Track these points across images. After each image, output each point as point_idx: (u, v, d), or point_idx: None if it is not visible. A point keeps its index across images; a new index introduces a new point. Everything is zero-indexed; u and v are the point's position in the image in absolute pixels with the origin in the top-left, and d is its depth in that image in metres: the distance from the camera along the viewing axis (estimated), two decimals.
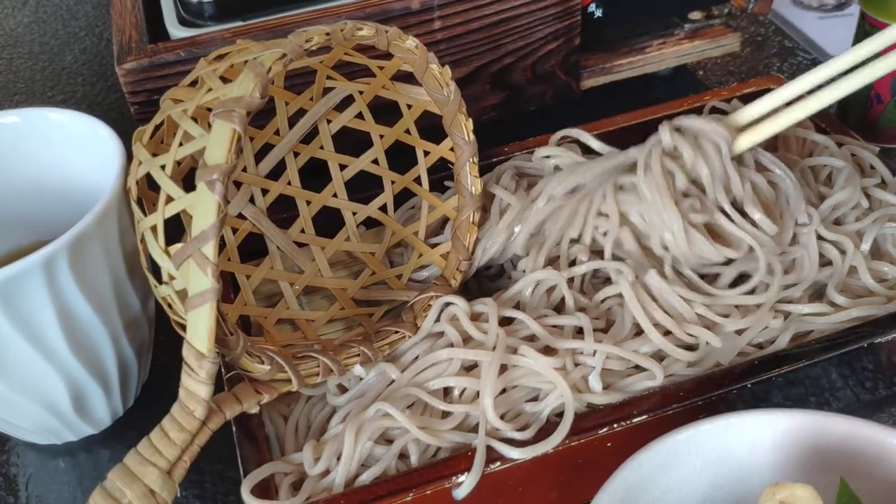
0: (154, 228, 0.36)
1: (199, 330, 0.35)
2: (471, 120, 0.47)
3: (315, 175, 0.53)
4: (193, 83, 0.39)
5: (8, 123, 0.49)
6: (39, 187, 0.50)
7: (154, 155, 0.38)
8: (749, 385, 0.42)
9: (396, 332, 0.46)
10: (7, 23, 0.92)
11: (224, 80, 0.37)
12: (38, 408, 0.45)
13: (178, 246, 0.34)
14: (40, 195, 0.50)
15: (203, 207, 0.34)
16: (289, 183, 0.52)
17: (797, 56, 0.74)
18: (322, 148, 0.52)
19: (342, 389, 0.45)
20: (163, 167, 0.35)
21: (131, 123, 0.54)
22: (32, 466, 0.49)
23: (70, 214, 0.45)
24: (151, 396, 0.51)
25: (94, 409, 0.48)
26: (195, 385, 0.36)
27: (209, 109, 0.37)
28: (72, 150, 0.49)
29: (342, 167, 0.53)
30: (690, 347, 0.45)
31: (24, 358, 0.42)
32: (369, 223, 0.54)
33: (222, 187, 0.34)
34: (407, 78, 0.48)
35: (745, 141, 0.47)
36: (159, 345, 0.52)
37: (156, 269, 0.39)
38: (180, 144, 0.35)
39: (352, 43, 0.40)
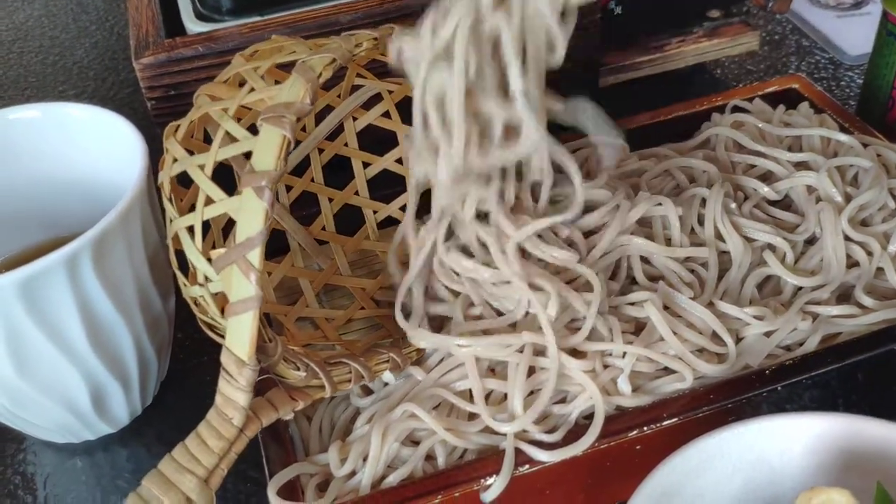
0: (191, 229, 0.36)
1: (240, 337, 0.34)
2: None
3: (335, 171, 0.52)
4: (226, 80, 0.38)
5: (28, 118, 0.48)
6: (58, 183, 0.49)
7: (187, 151, 0.37)
8: (779, 388, 0.42)
9: None
10: (17, 16, 0.91)
11: (263, 78, 0.36)
12: (58, 407, 0.44)
13: (221, 251, 0.34)
14: (59, 191, 0.49)
15: (250, 213, 0.33)
16: (312, 179, 0.51)
17: (815, 55, 0.74)
18: (346, 145, 0.51)
19: (366, 391, 0.45)
20: (201, 167, 0.35)
21: (144, 118, 0.54)
22: (50, 465, 0.48)
23: (89, 211, 0.44)
24: (170, 395, 0.51)
25: (113, 408, 0.47)
26: (234, 392, 0.35)
27: (248, 108, 0.36)
28: (92, 145, 0.48)
29: (365, 165, 0.52)
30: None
31: (45, 356, 0.41)
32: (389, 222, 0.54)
33: (270, 194, 0.33)
34: None
35: None
36: (177, 342, 0.52)
37: (184, 268, 0.39)
38: (221, 145, 0.34)
39: None
